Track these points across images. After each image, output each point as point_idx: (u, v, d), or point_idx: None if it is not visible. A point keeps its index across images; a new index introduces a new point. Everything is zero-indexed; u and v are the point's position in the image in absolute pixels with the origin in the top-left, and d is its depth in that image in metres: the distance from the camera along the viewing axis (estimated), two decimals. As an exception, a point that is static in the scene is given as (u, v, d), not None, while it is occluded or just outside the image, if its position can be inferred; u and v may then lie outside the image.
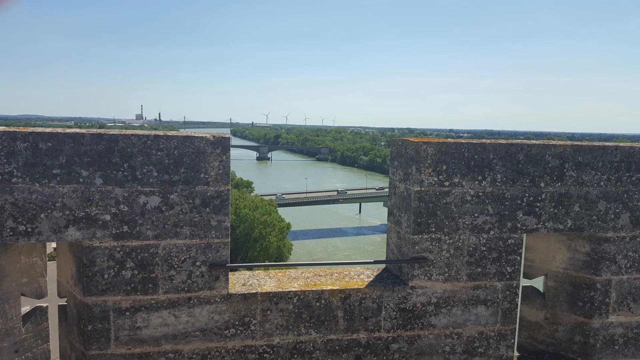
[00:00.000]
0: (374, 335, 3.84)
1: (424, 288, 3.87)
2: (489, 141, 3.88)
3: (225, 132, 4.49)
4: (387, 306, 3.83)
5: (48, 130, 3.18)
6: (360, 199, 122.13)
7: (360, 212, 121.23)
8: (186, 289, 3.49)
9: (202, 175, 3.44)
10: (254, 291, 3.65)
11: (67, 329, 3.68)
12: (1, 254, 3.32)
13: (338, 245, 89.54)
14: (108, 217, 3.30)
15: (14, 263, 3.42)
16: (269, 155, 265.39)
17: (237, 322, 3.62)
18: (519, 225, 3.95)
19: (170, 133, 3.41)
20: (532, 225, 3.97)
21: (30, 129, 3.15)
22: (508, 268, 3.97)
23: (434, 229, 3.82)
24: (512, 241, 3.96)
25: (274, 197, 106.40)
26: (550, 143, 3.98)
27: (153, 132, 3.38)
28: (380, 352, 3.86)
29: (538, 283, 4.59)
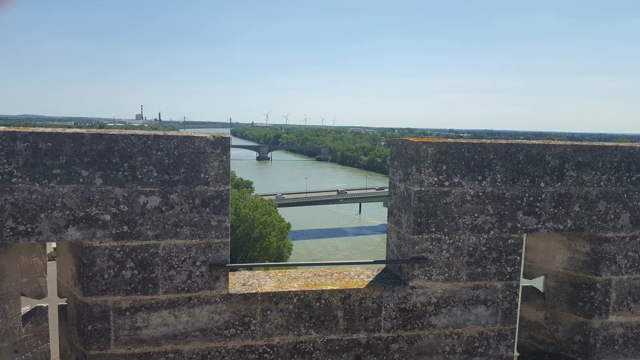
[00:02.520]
0: (374, 335, 3.84)
1: (424, 288, 3.87)
2: (489, 141, 3.88)
3: (225, 132, 4.50)
4: (387, 306, 3.83)
5: (48, 130, 3.18)
6: (360, 199, 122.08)
7: (360, 212, 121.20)
8: (186, 289, 3.49)
9: (202, 175, 3.44)
10: (254, 291, 3.65)
11: (67, 329, 3.68)
12: (1, 254, 3.32)
13: (338, 245, 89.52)
14: (108, 217, 3.30)
15: (14, 263, 3.42)
16: (269, 155, 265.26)
17: (237, 322, 3.62)
18: (519, 225, 3.95)
19: (170, 133, 3.41)
20: (532, 225, 3.97)
21: (30, 129, 3.15)
22: (508, 268, 3.97)
23: (434, 229, 3.82)
24: (512, 241, 3.96)
25: (274, 197, 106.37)
26: (550, 143, 3.98)
27: (153, 132, 3.38)
28: (380, 352, 3.86)
29: (538, 283, 4.59)
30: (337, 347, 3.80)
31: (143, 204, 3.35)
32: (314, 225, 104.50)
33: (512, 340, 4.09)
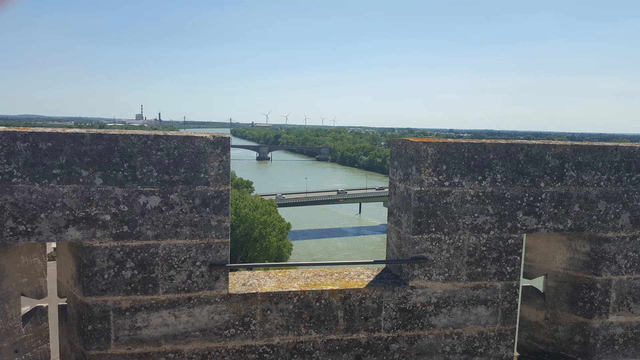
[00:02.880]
0: (374, 335, 3.84)
1: (424, 288, 3.87)
2: (489, 141, 3.88)
3: (225, 132, 4.50)
4: (387, 306, 3.83)
5: (48, 130, 3.18)
6: (360, 199, 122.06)
7: (360, 212, 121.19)
8: (186, 289, 3.50)
9: (202, 175, 3.44)
10: (254, 291, 3.65)
11: (67, 329, 3.69)
12: (1, 254, 3.32)
13: (338, 245, 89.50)
14: (108, 217, 3.31)
15: (14, 263, 3.42)
16: (269, 155, 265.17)
17: (237, 322, 3.62)
18: (519, 225, 3.95)
19: (170, 133, 3.41)
20: (532, 225, 3.97)
21: (30, 129, 3.15)
22: (508, 268, 3.97)
23: (434, 229, 3.82)
24: (512, 241, 3.96)
25: (274, 197, 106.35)
26: (550, 143, 3.98)
27: (153, 132, 3.38)
28: (380, 352, 3.86)
29: (538, 283, 4.59)
30: (337, 347, 3.80)
31: (143, 204, 3.35)
32: (314, 225, 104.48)
33: (512, 340, 4.09)
